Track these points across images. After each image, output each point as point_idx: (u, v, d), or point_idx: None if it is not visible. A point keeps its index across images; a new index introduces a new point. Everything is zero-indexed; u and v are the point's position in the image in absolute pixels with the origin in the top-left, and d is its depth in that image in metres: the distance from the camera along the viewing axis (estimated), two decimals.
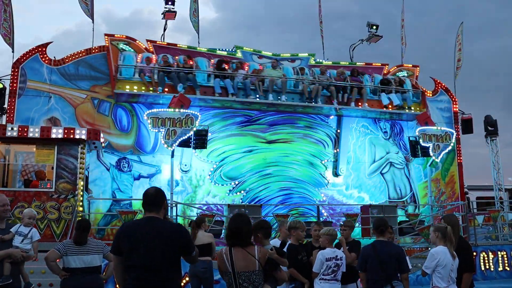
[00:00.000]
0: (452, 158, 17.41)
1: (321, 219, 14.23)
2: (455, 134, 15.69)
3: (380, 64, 17.74)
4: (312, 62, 16.87)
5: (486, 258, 12.64)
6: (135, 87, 14.38)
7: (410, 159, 16.69)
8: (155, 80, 14.32)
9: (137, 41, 15.26)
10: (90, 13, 15.19)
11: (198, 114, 12.86)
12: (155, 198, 4.04)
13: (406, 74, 17.84)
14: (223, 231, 12.30)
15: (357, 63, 17.52)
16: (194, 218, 10.90)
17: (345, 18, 58.44)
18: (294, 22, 62.11)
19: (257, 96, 15.03)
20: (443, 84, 18.30)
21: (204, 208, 13.92)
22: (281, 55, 16.77)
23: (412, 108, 16.79)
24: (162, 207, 4.02)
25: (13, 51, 14.05)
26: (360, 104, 16.08)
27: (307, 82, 15.63)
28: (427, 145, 14.73)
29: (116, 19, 64.28)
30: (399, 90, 16.64)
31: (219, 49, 16.34)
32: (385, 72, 17.58)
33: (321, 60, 17.23)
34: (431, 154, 14.73)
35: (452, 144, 15.22)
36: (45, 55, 14.15)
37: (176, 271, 3.94)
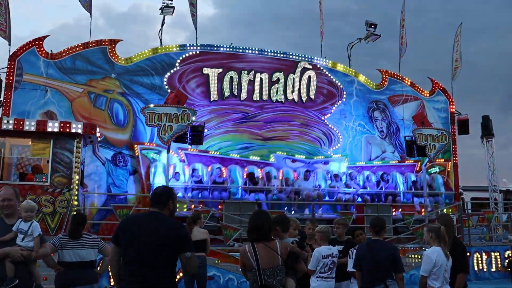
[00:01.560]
0: (448, 158, 17.47)
1: (316, 216, 14.24)
2: (451, 134, 15.73)
3: (412, 161, 16.74)
4: (345, 162, 16.27)
5: (479, 259, 12.70)
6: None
7: (406, 159, 16.71)
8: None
9: (171, 152, 13.66)
10: (88, 7, 15.12)
11: (194, 110, 12.84)
12: (159, 197, 4.08)
13: (438, 170, 17.29)
14: (217, 227, 12.30)
15: (391, 162, 16.83)
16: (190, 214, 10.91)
17: (344, 17, 58.38)
18: (293, 20, 61.98)
19: (293, 210, 14.24)
20: (440, 85, 18.36)
21: (200, 205, 13.88)
22: (315, 157, 16.07)
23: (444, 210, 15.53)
24: (166, 206, 4.04)
25: (9, 44, 13.99)
26: (394, 211, 15.04)
27: (341, 193, 15.03)
28: (423, 145, 14.76)
29: (114, 13, 64.03)
30: (432, 194, 15.87)
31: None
32: (417, 169, 16.84)
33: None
34: (427, 154, 14.77)
35: (447, 144, 15.25)
36: (42, 49, 14.09)
37: (172, 268, 3.93)
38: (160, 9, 15.88)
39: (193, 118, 12.52)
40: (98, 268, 6.19)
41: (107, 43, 14.84)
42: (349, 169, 15.96)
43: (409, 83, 17.98)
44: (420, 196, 15.59)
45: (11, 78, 13.67)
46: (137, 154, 14.29)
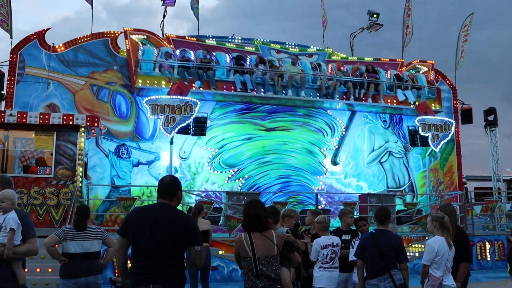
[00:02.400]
0: (451, 148, 17.43)
1: (319, 207, 14.27)
2: (454, 124, 15.69)
3: (396, 60, 17.65)
4: (330, 57, 16.82)
5: (482, 248, 12.72)
6: (156, 82, 14.24)
7: (409, 149, 16.70)
8: (175, 76, 14.18)
9: (156, 35, 15.18)
10: None
11: (197, 101, 12.83)
12: (168, 187, 4.03)
13: (421, 71, 17.70)
14: (221, 218, 12.36)
15: (372, 59, 17.35)
16: (193, 205, 10.95)
17: (346, 7, 58.12)
18: (295, 11, 61.78)
19: (276, 91, 15.04)
20: (444, 74, 18.26)
21: (202, 195, 13.95)
22: (298, 50, 16.67)
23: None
24: (175, 197, 4.03)
25: (11, 37, 14.00)
26: (377, 100, 16.05)
27: (325, 77, 15.59)
28: (426, 135, 14.74)
29: (116, 5, 63.91)
30: (415, 87, 16.47)
31: (237, 41, 16.41)
32: (399, 68, 17.41)
33: (338, 54, 17.14)
34: (430, 143, 14.75)
35: (451, 134, 15.24)
36: (43, 42, 14.08)
37: (181, 260, 3.92)
38: (161, 0, 15.83)
39: (196, 109, 12.53)
40: (103, 260, 6.24)
41: (109, 35, 14.83)
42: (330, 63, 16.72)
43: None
44: (404, 88, 16.33)
45: (13, 71, 13.68)
46: (126, 39, 14.63)
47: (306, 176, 15.93)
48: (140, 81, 14.11)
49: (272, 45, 16.50)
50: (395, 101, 16.27)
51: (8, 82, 13.61)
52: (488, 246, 12.80)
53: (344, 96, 15.84)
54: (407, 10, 18.42)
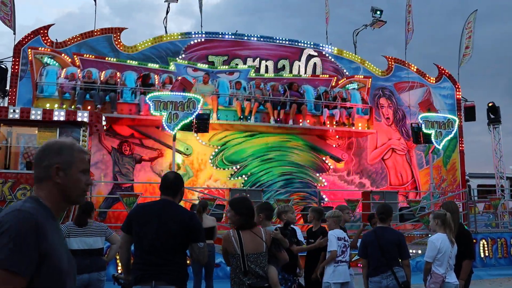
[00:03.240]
0: (454, 145, 17.40)
1: (322, 204, 14.27)
2: (457, 121, 15.65)
3: (327, 76, 16.59)
4: (252, 74, 15.81)
5: (485, 246, 12.70)
6: (56, 105, 13.08)
7: (412, 146, 16.66)
8: (75, 98, 13.24)
9: (63, 55, 14.15)
10: None
11: (200, 98, 12.83)
12: (172, 184, 4.04)
13: (356, 87, 16.90)
14: (224, 214, 12.36)
15: (303, 76, 16.39)
16: (196, 202, 10.94)
17: (349, 3, 57.90)
18: (299, 7, 61.64)
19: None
20: (446, 71, 18.21)
21: (205, 192, 13.96)
22: (219, 67, 15.69)
23: (360, 124, 15.85)
24: (178, 193, 4.05)
25: (14, 33, 14.00)
26: (300, 120, 15.03)
27: (241, 98, 14.62)
28: (429, 132, 14.71)
29: (120, 1, 63.83)
30: (346, 106, 15.42)
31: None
32: (333, 84, 16.44)
33: (263, 73, 16.08)
34: (433, 141, 14.72)
35: (454, 131, 15.20)
36: (46, 38, 14.08)
37: (184, 256, 3.94)
38: None
39: (199, 105, 12.50)
40: (106, 256, 6.24)
41: (112, 31, 14.82)
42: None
43: (415, 70, 17.85)
44: (333, 107, 15.26)
45: (16, 67, 13.69)
46: (30, 58, 13.58)
47: (309, 173, 15.92)
48: (39, 104, 13.04)
49: (186, 62, 15.36)
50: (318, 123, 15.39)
51: (11, 78, 13.62)
52: (491, 243, 12.77)
53: (264, 118, 14.86)
54: (407, 7, 18.38)
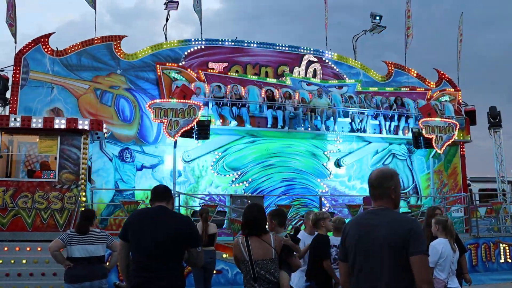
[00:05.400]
0: (455, 149, 17.38)
1: (323, 209, 14.25)
2: (458, 125, 15.63)
3: (423, 89, 17.36)
4: (359, 88, 16.62)
5: (488, 250, 12.67)
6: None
7: (413, 151, 16.64)
8: (210, 113, 14.09)
9: (188, 70, 15.00)
10: (93, 3, 15.13)
11: (200, 104, 12.85)
12: (163, 193, 4.21)
13: (448, 99, 17.38)
14: (225, 221, 12.36)
15: (401, 89, 17.16)
16: (197, 209, 10.94)
17: (349, 9, 58.12)
18: (298, 13, 61.86)
19: (309, 126, 15.02)
20: (447, 75, 18.22)
21: (206, 198, 13.95)
22: (329, 81, 16.59)
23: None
24: (170, 201, 4.16)
25: (15, 42, 14.05)
26: (406, 132, 15.99)
27: (355, 112, 15.54)
28: (430, 137, 14.71)
29: (121, 9, 64.16)
30: (443, 117, 16.05)
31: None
32: (428, 97, 17.11)
33: (367, 87, 16.97)
34: (434, 145, 14.71)
35: (455, 136, 15.19)
36: (47, 46, 14.14)
37: (180, 261, 3.98)
38: (164, 4, 15.88)
39: (200, 112, 12.52)
40: (107, 264, 6.24)
41: (112, 39, 14.88)
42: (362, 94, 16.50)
43: (415, 75, 17.87)
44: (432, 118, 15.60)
45: (17, 76, 13.74)
46: (159, 74, 14.60)
47: (310, 179, 15.92)
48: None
49: (301, 77, 16.36)
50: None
51: (12, 87, 13.67)
52: (493, 248, 12.74)
53: (375, 129, 15.82)
54: (407, 12, 18.44)
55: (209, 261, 7.93)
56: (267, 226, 4.95)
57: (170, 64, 14.89)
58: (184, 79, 14.70)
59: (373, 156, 16.65)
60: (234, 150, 15.31)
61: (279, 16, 64.95)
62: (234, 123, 14.28)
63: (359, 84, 16.68)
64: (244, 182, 15.27)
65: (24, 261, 9.57)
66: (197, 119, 12.74)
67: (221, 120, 14.31)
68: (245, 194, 14.64)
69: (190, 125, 12.71)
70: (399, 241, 2.84)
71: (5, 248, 9.73)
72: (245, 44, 16.35)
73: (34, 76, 13.88)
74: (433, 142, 14.86)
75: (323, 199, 15.16)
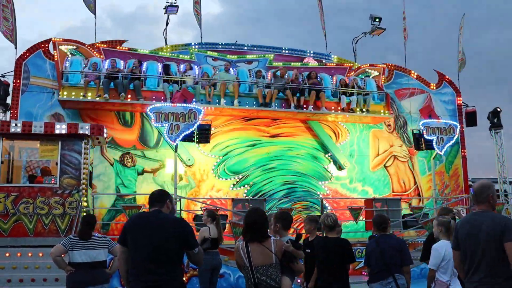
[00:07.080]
0: (456, 151, 17.37)
1: (325, 212, 14.24)
2: (459, 127, 15.63)
3: (343, 64, 16.92)
4: (270, 63, 16.05)
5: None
6: (81, 94, 13.43)
7: (414, 152, 16.63)
8: (100, 86, 13.45)
9: (86, 45, 14.50)
10: (93, 8, 15.17)
11: (201, 108, 12.87)
12: (158, 196, 4.23)
13: (370, 75, 16.97)
14: (226, 225, 12.34)
15: (317, 64, 16.62)
16: (199, 213, 10.90)
17: (349, 11, 58.21)
18: (299, 16, 61.92)
19: (208, 101, 14.19)
20: (447, 77, 18.22)
21: (208, 202, 13.94)
22: (237, 57, 15.96)
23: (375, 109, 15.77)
24: (165, 204, 4.16)
25: (16, 48, 14.08)
26: (319, 106, 15.14)
27: (262, 85, 14.78)
28: (431, 138, 14.70)
29: (121, 14, 64.29)
30: (361, 92, 15.57)
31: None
32: (348, 74, 16.65)
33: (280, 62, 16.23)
34: (435, 147, 14.70)
35: (456, 137, 15.18)
36: (48, 51, 14.16)
37: (179, 264, 4.00)
38: (164, 8, 15.92)
39: (200, 116, 12.52)
40: (109, 269, 6.24)
41: (112, 43, 14.90)
42: None
43: (415, 76, 17.85)
44: (350, 94, 15.42)
45: (18, 81, 13.76)
46: (55, 50, 13.95)
47: (311, 182, 15.91)
48: (65, 93, 13.38)
49: (208, 52, 15.73)
50: (339, 108, 15.33)
51: (13, 92, 13.70)
52: None
53: (284, 104, 14.90)
54: (403, 13, 18.49)
55: (219, 262, 7.96)
56: (271, 229, 4.95)
57: (66, 39, 14.41)
58: (80, 53, 14.36)
59: (374, 158, 16.64)
60: (235, 154, 15.31)
61: (279, 18, 65.08)
62: (122, 95, 13.44)
63: (271, 59, 16.16)
64: (246, 186, 15.27)
65: (25, 267, 9.56)
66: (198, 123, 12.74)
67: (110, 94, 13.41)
68: (247, 197, 14.62)
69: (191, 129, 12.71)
70: (497, 232, 3.85)
71: (7, 254, 9.72)
72: (245, 48, 16.38)
73: (34, 81, 13.91)
74: (433, 143, 14.84)
75: (324, 201, 15.16)
